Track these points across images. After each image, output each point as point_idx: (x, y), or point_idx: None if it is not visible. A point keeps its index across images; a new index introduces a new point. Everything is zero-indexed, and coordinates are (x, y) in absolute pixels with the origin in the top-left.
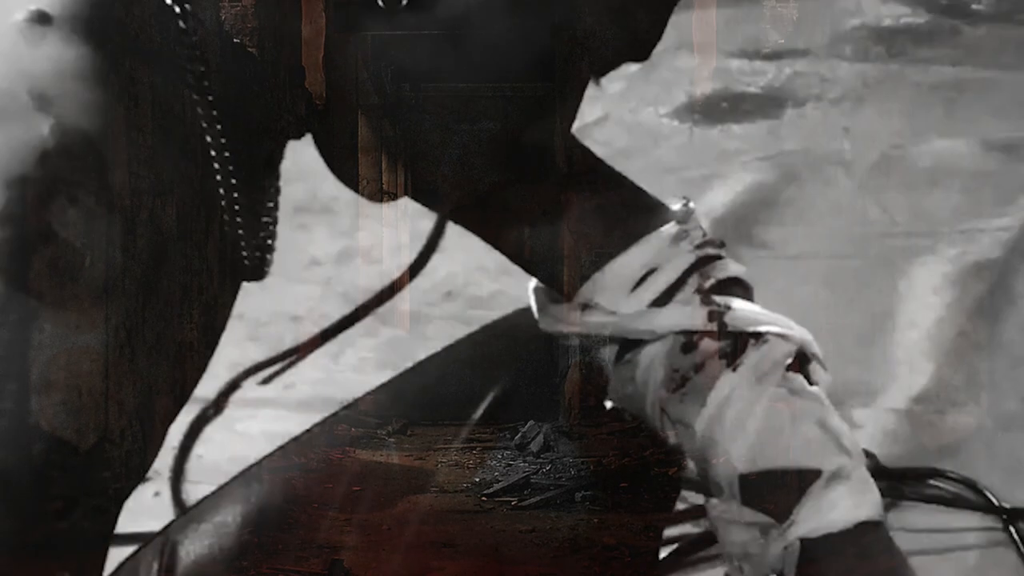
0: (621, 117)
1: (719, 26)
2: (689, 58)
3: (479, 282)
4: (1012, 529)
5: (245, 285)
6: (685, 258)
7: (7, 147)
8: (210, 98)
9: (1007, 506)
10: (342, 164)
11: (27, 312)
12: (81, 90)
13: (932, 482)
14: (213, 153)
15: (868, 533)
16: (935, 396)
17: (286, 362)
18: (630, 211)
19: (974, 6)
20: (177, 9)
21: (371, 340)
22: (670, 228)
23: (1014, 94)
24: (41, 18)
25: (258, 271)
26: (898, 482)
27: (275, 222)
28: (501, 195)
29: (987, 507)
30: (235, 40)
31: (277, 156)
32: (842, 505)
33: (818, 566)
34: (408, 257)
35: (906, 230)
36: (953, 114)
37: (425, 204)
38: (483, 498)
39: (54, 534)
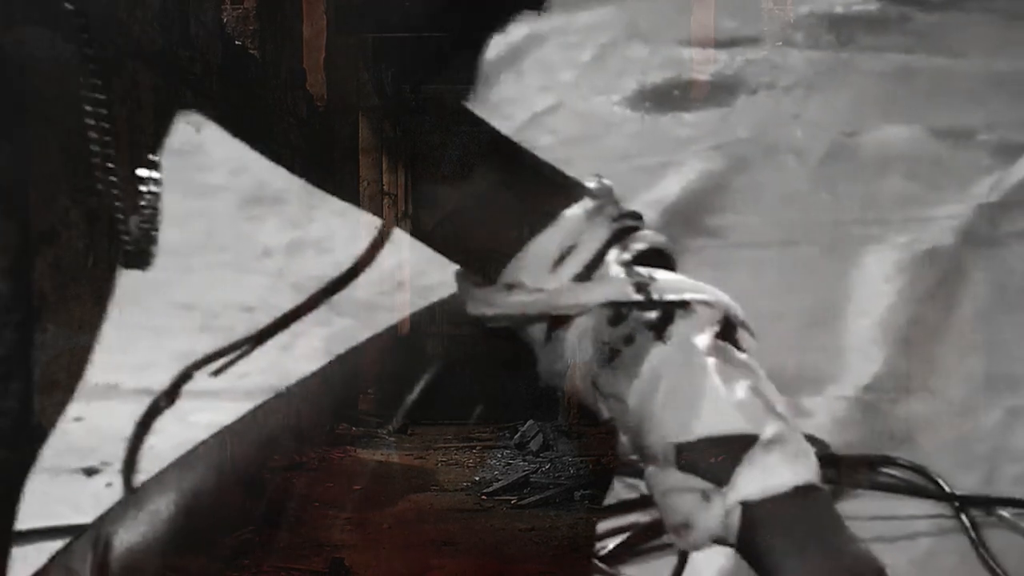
0: (573, 105)
1: (669, 14)
2: (641, 47)
3: (425, 270)
4: (963, 516)
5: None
6: (602, 232)
7: None
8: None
9: (958, 493)
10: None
11: None
12: None
13: (883, 470)
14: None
15: (807, 496)
16: (886, 384)
17: (238, 352)
18: (546, 190)
19: None
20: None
21: (323, 329)
22: (585, 204)
23: (964, 81)
24: None
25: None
26: (849, 470)
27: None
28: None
29: (938, 494)
30: (237, 43)
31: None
32: (781, 469)
33: (760, 530)
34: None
35: (857, 218)
36: (903, 101)
37: (425, 206)
38: (483, 497)
39: None
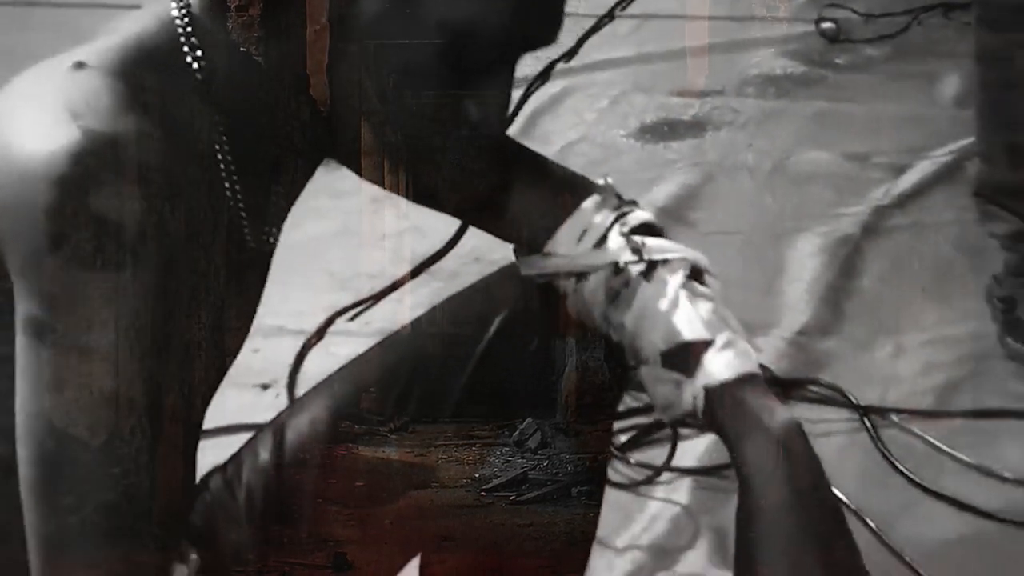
0: (591, 137)
1: (662, 72)
2: (641, 97)
3: (496, 248)
4: (866, 420)
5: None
6: (608, 215)
7: (53, 153)
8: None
9: (862, 404)
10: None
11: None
12: (106, 106)
13: (810, 388)
14: (219, 157)
15: (750, 381)
16: (812, 329)
17: (366, 305)
18: (569, 188)
19: (837, 60)
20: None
21: (423, 288)
22: (595, 197)
23: (863, 121)
24: (78, 64)
25: (264, 253)
26: (786, 388)
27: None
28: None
29: (848, 405)
30: (241, 48)
31: (287, 162)
32: (731, 363)
33: (717, 405)
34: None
35: (791, 215)
36: (823, 135)
37: (427, 206)
38: (482, 493)
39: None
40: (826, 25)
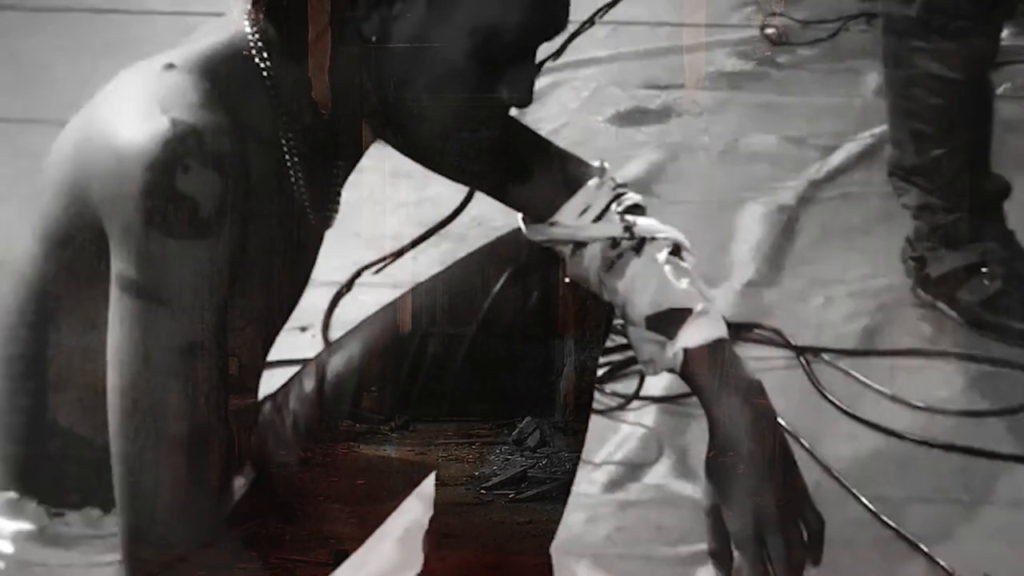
0: (575, 123)
1: (633, 69)
2: (617, 89)
3: (496, 215)
4: (801, 358)
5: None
6: (607, 195)
7: (147, 140)
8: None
9: (798, 345)
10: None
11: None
12: (194, 104)
13: (755, 331)
14: (285, 148)
15: (721, 344)
16: (757, 282)
17: (387, 261)
18: (574, 170)
19: (778, 60)
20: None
21: (436, 248)
22: (596, 179)
23: (801, 109)
24: (168, 65)
25: (325, 224)
26: (736, 331)
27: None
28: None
29: (786, 345)
30: (244, 53)
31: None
32: (706, 329)
33: (693, 365)
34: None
35: (740, 187)
36: (767, 121)
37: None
38: (482, 491)
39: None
40: (769, 31)
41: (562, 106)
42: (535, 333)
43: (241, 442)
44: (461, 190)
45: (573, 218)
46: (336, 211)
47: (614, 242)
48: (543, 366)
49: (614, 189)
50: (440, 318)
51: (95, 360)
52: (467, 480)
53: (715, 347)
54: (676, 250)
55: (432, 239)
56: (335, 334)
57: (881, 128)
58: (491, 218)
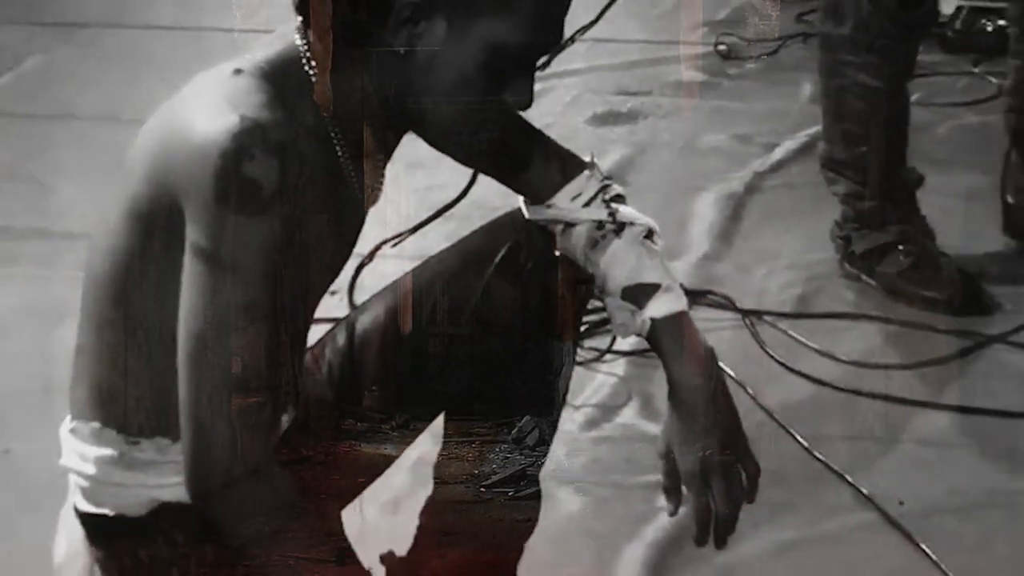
0: (559, 123)
1: (607, 79)
2: (593, 96)
3: (494, 199)
4: (746, 320)
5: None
6: (596, 185)
7: (219, 132)
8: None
9: (744, 308)
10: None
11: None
12: (258, 103)
13: (708, 296)
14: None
15: (682, 316)
16: (709, 257)
17: (403, 237)
18: (570, 162)
19: (729, 72)
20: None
21: (442, 225)
22: (587, 171)
23: (747, 114)
24: (236, 70)
25: (371, 203)
26: (692, 297)
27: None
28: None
29: (734, 309)
30: (297, 61)
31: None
32: (670, 302)
33: (659, 331)
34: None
35: (696, 177)
36: (719, 123)
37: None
38: (482, 489)
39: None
40: (721, 47)
41: (548, 109)
42: (532, 297)
43: (291, 387)
44: (465, 178)
45: (567, 202)
46: (380, 191)
47: (599, 224)
48: (541, 325)
49: (602, 180)
50: (449, 286)
51: (168, 316)
52: (467, 478)
53: (676, 318)
54: (650, 235)
55: (440, 219)
56: (359, 298)
57: (815, 128)
58: (490, 202)
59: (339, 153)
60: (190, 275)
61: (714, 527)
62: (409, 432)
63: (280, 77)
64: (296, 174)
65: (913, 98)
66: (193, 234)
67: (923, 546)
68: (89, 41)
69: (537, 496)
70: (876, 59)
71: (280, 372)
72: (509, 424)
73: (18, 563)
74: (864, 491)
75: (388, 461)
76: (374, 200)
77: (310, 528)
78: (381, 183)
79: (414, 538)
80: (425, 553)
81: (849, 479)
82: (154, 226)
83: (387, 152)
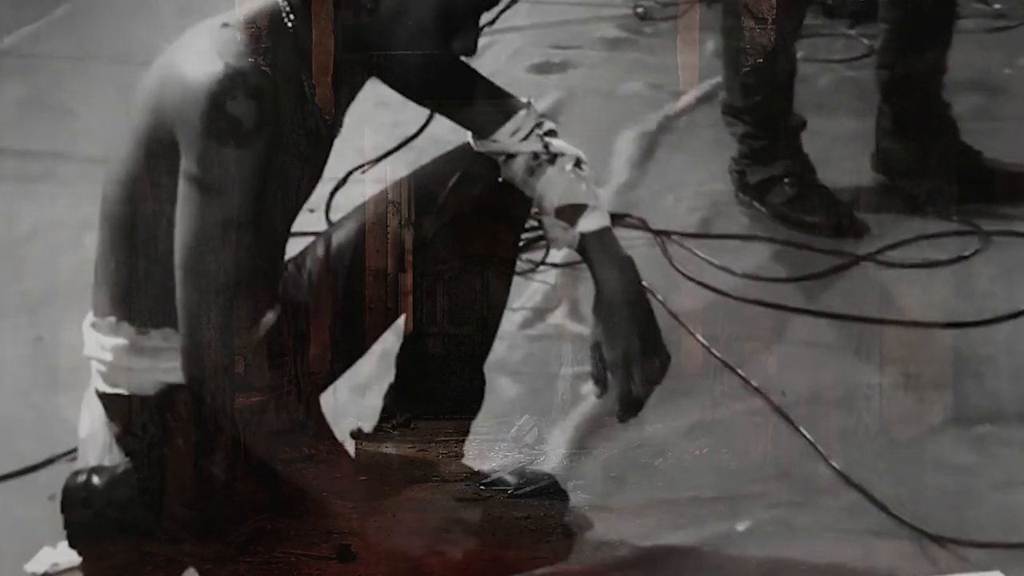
0: (503, 72)
1: (544, 34)
2: (532, 48)
3: (449, 134)
4: (657, 239)
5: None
6: (532, 121)
7: (207, 77)
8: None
9: (656, 229)
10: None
11: None
12: (241, 52)
13: (626, 219)
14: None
15: (606, 231)
16: (629, 184)
17: (368, 166)
18: (509, 102)
19: (645, 30)
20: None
21: (404, 155)
22: (524, 110)
23: (660, 66)
24: (224, 24)
25: (332, 136)
26: (613, 219)
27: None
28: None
29: (648, 229)
30: (277, 15)
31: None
32: (596, 219)
33: (587, 244)
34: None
35: (617, 118)
36: (636, 73)
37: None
38: (481, 487)
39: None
40: (639, 9)
41: (494, 59)
42: (479, 216)
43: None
44: (424, 116)
45: (507, 137)
46: (341, 126)
47: (535, 155)
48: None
49: (537, 118)
50: (411, 207)
51: (168, 230)
52: (467, 476)
53: (602, 232)
54: (578, 163)
55: (402, 150)
56: (334, 216)
57: (717, 79)
58: (444, 137)
59: (307, 93)
60: (184, 196)
61: (631, 406)
62: (410, 431)
63: (261, 29)
64: (272, 112)
65: (799, 55)
66: (186, 162)
67: (801, 429)
68: None
69: (535, 494)
70: (770, 23)
71: (260, 275)
72: (508, 423)
73: (47, 436)
74: (753, 383)
75: (389, 460)
76: (336, 134)
77: (312, 526)
78: (342, 120)
79: (415, 534)
80: (425, 550)
81: (741, 373)
82: (155, 155)
83: (351, 93)
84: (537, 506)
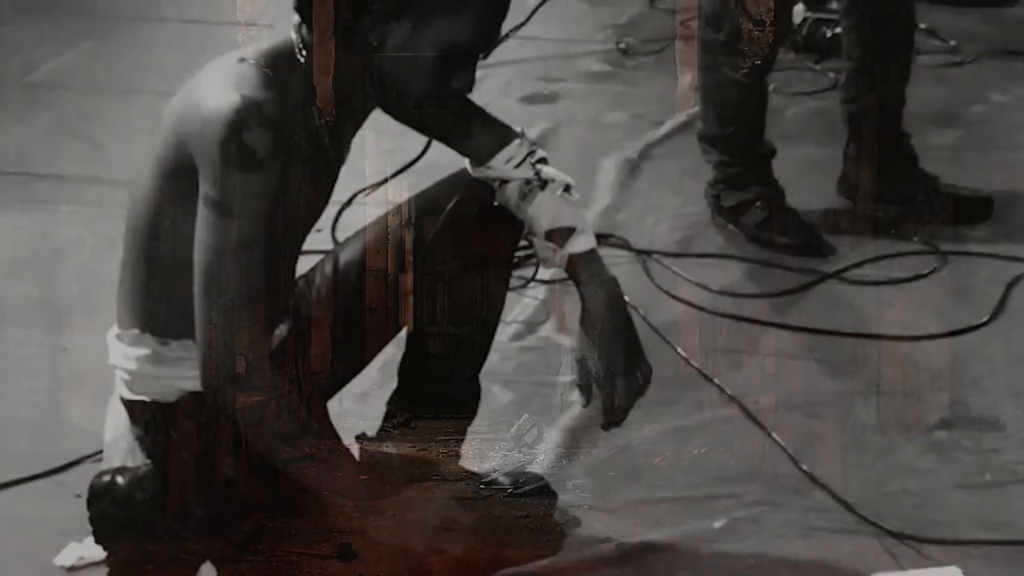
0: (495, 102)
1: (533, 68)
2: (522, 81)
3: (446, 159)
4: (638, 257)
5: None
6: (525, 150)
7: (224, 108)
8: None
9: (637, 248)
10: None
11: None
12: (256, 85)
13: (610, 239)
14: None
15: (592, 253)
16: (611, 208)
17: (372, 189)
18: (503, 132)
19: (627, 64)
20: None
21: (405, 179)
22: (518, 140)
23: (642, 97)
24: (241, 59)
25: (340, 162)
26: (598, 239)
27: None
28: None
29: (630, 248)
30: (291, 51)
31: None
32: (583, 242)
33: (575, 265)
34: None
35: (601, 146)
36: (619, 104)
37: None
38: (481, 486)
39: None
40: (621, 45)
41: (487, 91)
42: (477, 237)
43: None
44: (423, 142)
45: (502, 164)
46: (347, 154)
47: (527, 181)
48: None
49: (530, 147)
50: (413, 227)
51: (187, 249)
52: (467, 475)
53: (588, 254)
54: (567, 189)
55: (403, 175)
56: (340, 235)
57: (694, 110)
58: (441, 162)
59: (318, 123)
60: (202, 218)
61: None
62: (411, 431)
63: (277, 64)
64: (284, 141)
65: (770, 88)
66: (204, 187)
67: (773, 435)
68: (130, 29)
69: (535, 493)
70: (743, 59)
71: (272, 291)
72: (508, 423)
73: (72, 439)
74: (728, 391)
75: (390, 458)
76: (343, 160)
77: (313, 525)
78: (349, 147)
79: (415, 533)
80: (424, 549)
81: (717, 382)
82: (176, 179)
83: (356, 124)
84: (536, 505)
